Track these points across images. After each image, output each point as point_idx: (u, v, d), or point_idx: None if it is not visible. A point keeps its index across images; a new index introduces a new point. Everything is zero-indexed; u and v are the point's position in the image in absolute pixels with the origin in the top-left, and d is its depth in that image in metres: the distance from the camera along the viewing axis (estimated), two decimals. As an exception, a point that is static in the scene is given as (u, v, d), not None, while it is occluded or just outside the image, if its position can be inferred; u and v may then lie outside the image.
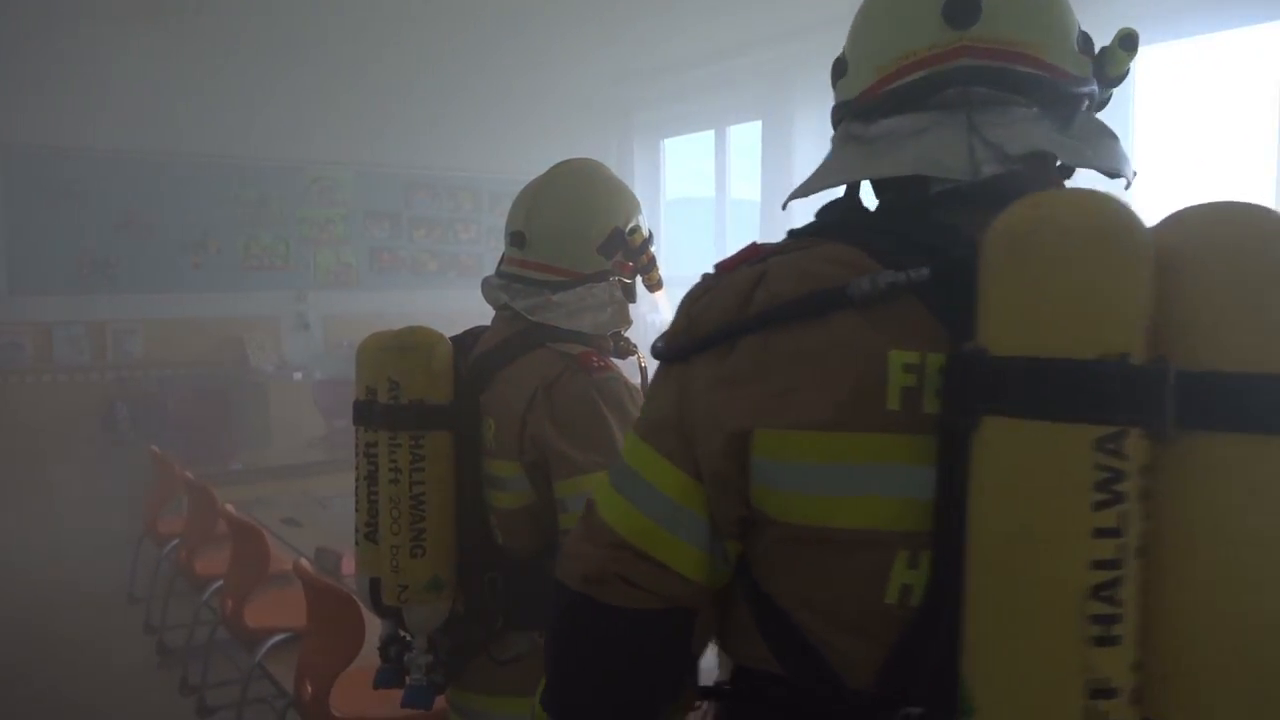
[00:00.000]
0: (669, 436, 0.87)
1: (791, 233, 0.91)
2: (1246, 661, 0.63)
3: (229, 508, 3.34)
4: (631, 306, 1.72)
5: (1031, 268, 0.66)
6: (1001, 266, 0.68)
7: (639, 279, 1.75)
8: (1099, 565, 0.63)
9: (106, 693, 3.84)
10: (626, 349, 1.71)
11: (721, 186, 7.90)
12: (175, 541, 4.02)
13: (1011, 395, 0.66)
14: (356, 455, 1.66)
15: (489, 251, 8.26)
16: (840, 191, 0.93)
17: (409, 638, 1.65)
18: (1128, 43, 0.86)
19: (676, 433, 0.87)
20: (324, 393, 6.62)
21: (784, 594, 0.84)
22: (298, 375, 6.93)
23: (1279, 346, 0.65)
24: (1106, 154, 0.84)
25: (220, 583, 3.38)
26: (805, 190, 0.90)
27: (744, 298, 0.84)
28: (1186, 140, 5.48)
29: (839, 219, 0.90)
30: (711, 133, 8.05)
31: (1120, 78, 0.89)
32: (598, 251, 1.67)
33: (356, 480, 1.66)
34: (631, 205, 1.73)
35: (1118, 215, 0.66)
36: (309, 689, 2.41)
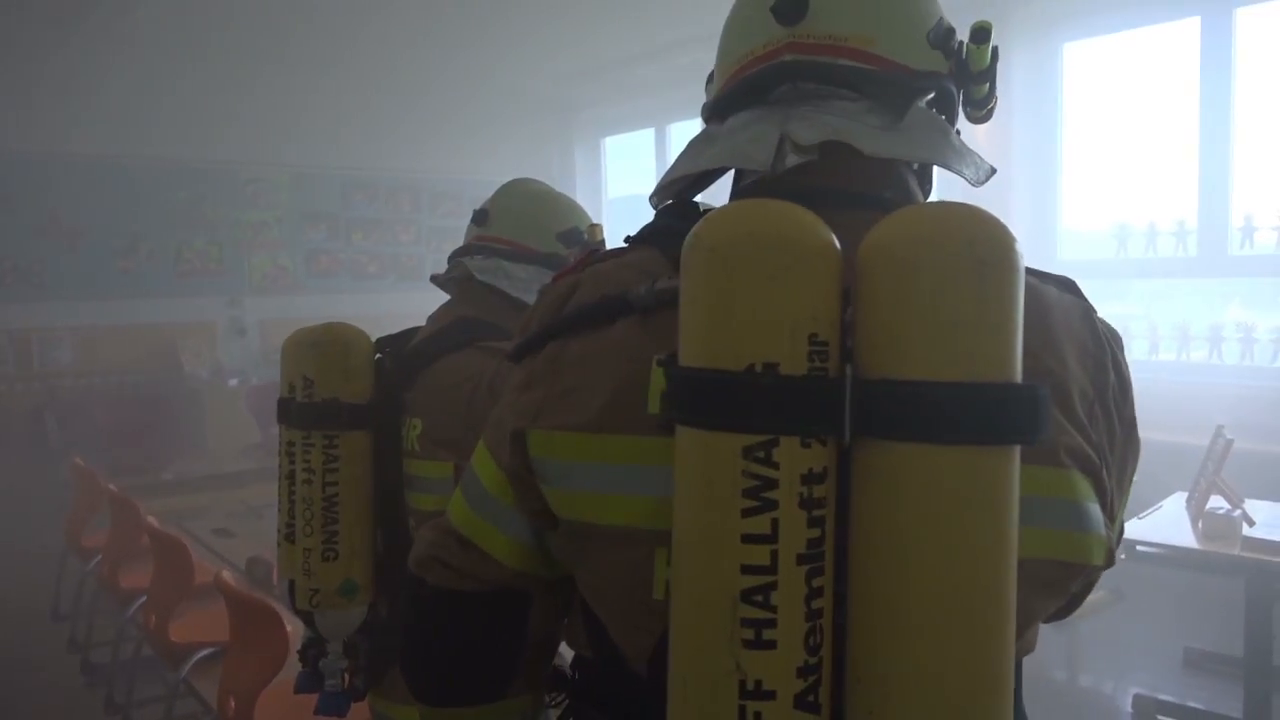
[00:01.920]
0: (492, 432, 0.92)
1: (626, 239, 0.94)
2: (919, 668, 0.64)
3: (151, 520, 3.24)
4: None
5: (690, 281, 0.68)
6: (682, 281, 0.69)
7: None
8: (749, 570, 0.64)
9: (31, 713, 3.71)
10: None
11: (663, 185, 7.89)
12: (99, 556, 3.90)
13: (686, 406, 0.68)
14: (279, 453, 1.62)
15: (430, 253, 8.18)
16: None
17: (325, 642, 1.61)
18: (978, 35, 0.87)
19: (494, 429, 0.92)
20: (258, 398, 6.50)
21: (581, 585, 0.88)
22: (233, 382, 6.80)
23: (955, 354, 0.63)
24: (927, 147, 0.83)
25: (145, 598, 3.29)
26: (656, 193, 0.93)
27: (559, 306, 0.88)
28: (1113, 133, 5.59)
29: (658, 224, 0.92)
30: (652, 130, 8.05)
31: (983, 72, 0.89)
32: (557, 237, 1.68)
33: (279, 479, 1.62)
34: (589, 219, 1.77)
35: (776, 223, 0.66)
36: (232, 705, 2.35)
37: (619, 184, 8.59)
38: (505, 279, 1.62)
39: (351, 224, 7.88)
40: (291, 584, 1.58)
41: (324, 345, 1.55)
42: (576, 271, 0.91)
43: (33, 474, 5.93)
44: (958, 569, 0.63)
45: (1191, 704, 3.69)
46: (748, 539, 0.64)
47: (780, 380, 0.64)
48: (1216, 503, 3.46)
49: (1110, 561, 0.80)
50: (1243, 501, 3.48)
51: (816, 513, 0.65)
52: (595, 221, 1.76)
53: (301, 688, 1.65)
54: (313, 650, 1.63)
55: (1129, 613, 3.88)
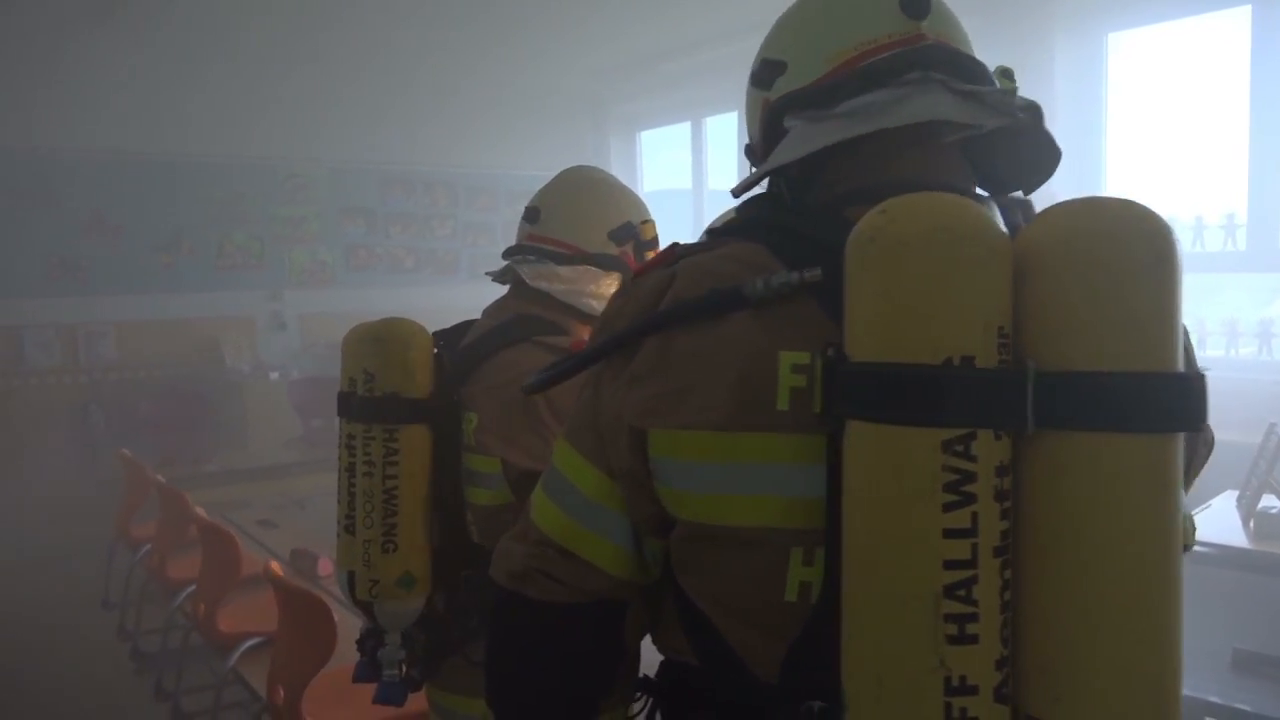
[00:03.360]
0: (586, 435, 0.91)
1: (709, 231, 0.94)
2: (1106, 656, 0.64)
3: (200, 511, 3.29)
4: None
5: (875, 275, 0.68)
6: (853, 274, 0.69)
7: None
8: (952, 565, 0.64)
9: (81, 700, 3.77)
10: None
11: (699, 178, 7.88)
12: (148, 546, 3.97)
13: (865, 401, 0.68)
14: (339, 446, 1.63)
15: (465, 247, 8.21)
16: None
17: (384, 632, 1.63)
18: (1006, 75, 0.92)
19: (592, 432, 0.90)
20: (300, 392, 6.57)
21: (694, 589, 0.86)
22: (274, 375, 6.87)
23: (1137, 344, 0.65)
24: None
25: (193, 587, 3.34)
26: (768, 169, 0.90)
27: (654, 300, 0.87)
28: (1160, 125, 5.50)
29: (752, 217, 0.92)
30: (688, 124, 8.02)
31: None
32: (609, 236, 1.67)
33: (339, 472, 1.64)
34: (643, 209, 1.75)
35: (960, 218, 0.67)
36: (282, 694, 2.38)
37: (655, 178, 8.57)
38: (556, 281, 1.61)
39: (389, 219, 7.92)
40: (351, 575, 1.60)
41: (385, 340, 1.56)
42: (665, 264, 0.89)
43: (78, 466, 6.03)
44: (1141, 554, 0.64)
45: (1240, 705, 3.62)
46: (950, 534, 0.64)
47: (977, 373, 0.65)
48: (1269, 502, 3.40)
49: (1189, 545, 0.81)
50: (1296, 500, 3.41)
51: (1005, 505, 0.66)
52: (649, 218, 1.73)
53: (360, 677, 1.67)
54: (371, 640, 1.64)
55: (1176, 612, 3.80)
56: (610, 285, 1.65)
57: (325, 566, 3.50)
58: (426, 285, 7.93)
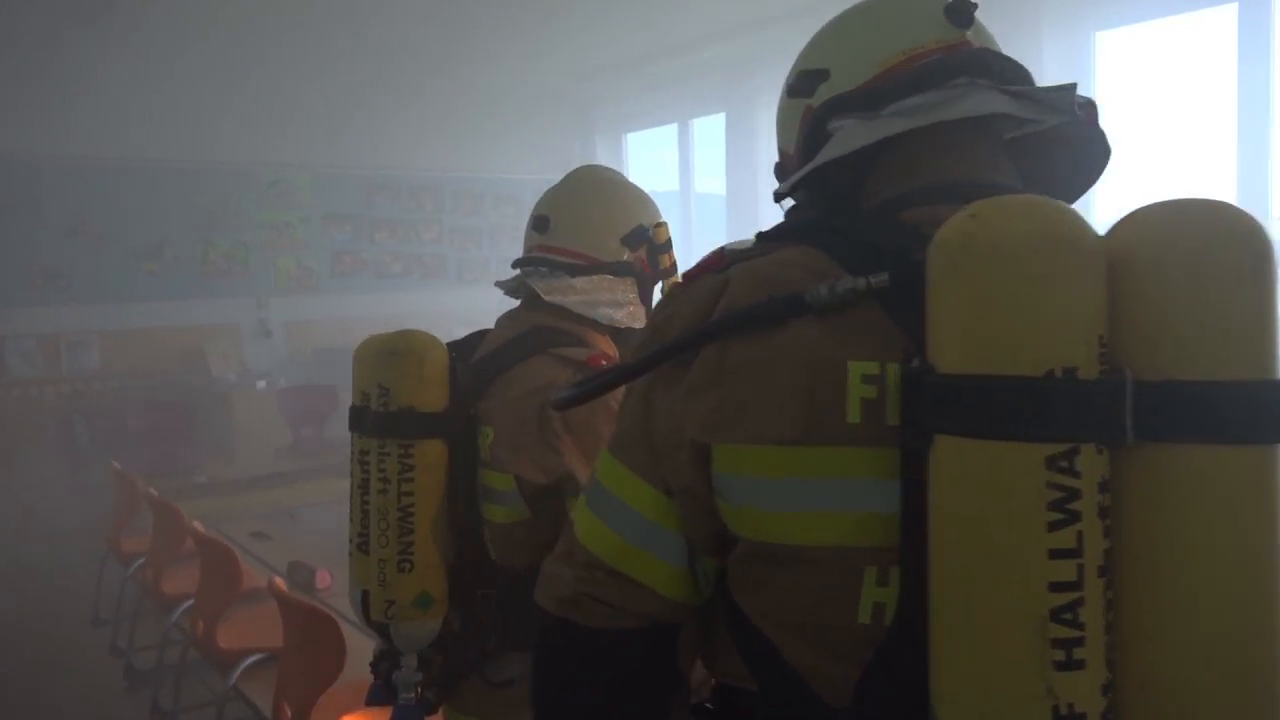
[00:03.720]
0: (637, 451, 0.87)
1: (760, 235, 0.90)
2: (1218, 681, 0.62)
3: (197, 525, 3.24)
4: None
5: (968, 282, 0.64)
6: (941, 281, 0.66)
7: (659, 286, 1.70)
8: (1058, 587, 0.61)
9: (74, 718, 3.71)
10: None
11: (686, 180, 7.87)
12: (141, 560, 3.90)
13: (959, 415, 0.65)
14: (351, 462, 1.60)
15: (452, 251, 8.16)
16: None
17: (400, 654, 1.59)
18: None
19: (644, 447, 0.86)
20: (288, 401, 6.50)
21: (756, 611, 0.83)
22: (261, 384, 6.80)
23: (1240, 351, 0.63)
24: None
25: (190, 602, 3.28)
26: (818, 163, 0.89)
27: (706, 306, 0.84)
28: (1147, 123, 5.52)
29: (806, 220, 0.89)
30: (675, 126, 8.01)
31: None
32: (621, 241, 1.63)
33: (351, 488, 1.61)
34: (654, 210, 1.70)
35: (1058, 222, 0.64)
36: (288, 712, 2.34)
37: (642, 180, 8.51)
38: (570, 294, 1.57)
39: (374, 224, 7.87)
40: (365, 595, 1.57)
41: (400, 354, 1.53)
42: (715, 270, 0.86)
43: (62, 477, 5.94)
44: (1248, 570, 0.62)
45: None
46: (1055, 554, 0.61)
47: (1080, 385, 0.62)
48: None
49: None
50: None
51: (1107, 522, 0.63)
52: (661, 220, 1.69)
53: (373, 700, 1.64)
54: (385, 662, 1.60)
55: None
56: (626, 291, 1.62)
57: (323, 579, 3.46)
58: (413, 290, 7.89)
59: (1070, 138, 0.89)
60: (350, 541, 1.62)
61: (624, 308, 1.59)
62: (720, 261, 0.88)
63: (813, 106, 0.93)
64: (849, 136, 0.86)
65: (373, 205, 7.84)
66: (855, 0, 0.97)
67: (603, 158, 8.49)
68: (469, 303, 7.94)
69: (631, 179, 1.77)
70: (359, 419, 1.58)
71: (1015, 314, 0.63)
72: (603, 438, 1.44)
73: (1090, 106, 0.86)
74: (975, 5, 0.90)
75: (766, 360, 0.78)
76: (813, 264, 0.81)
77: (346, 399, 5.76)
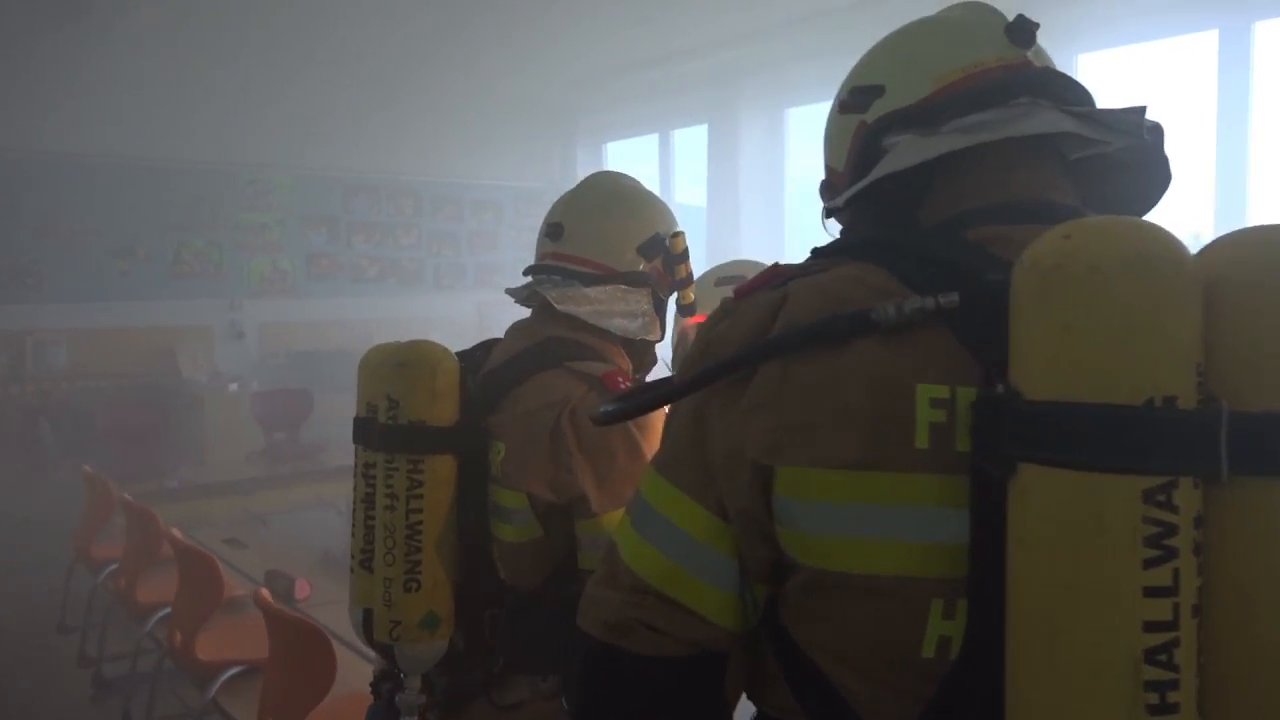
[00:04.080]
0: (688, 471, 0.83)
1: (815, 251, 0.88)
2: None
3: (175, 532, 3.16)
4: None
5: (1062, 306, 0.62)
6: (1030, 303, 0.64)
7: (674, 297, 1.66)
8: (1153, 627, 0.59)
9: (38, 729, 3.62)
10: (653, 361, 1.63)
11: (667, 190, 7.86)
12: (113, 566, 3.80)
13: (1050, 444, 0.62)
14: (355, 475, 1.55)
15: (430, 257, 8.10)
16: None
17: (403, 676, 1.54)
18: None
19: (696, 466, 0.83)
20: (262, 404, 6.40)
21: (811, 642, 0.80)
22: (233, 386, 6.69)
23: None
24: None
25: (165, 611, 3.20)
26: (877, 175, 0.87)
27: (764, 323, 0.81)
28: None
29: (866, 237, 0.88)
30: (656, 136, 8.01)
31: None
32: (637, 250, 1.58)
33: (354, 502, 1.55)
34: (671, 218, 1.66)
35: (1158, 244, 0.62)
36: (273, 727, 2.28)
37: (621, 189, 8.54)
38: (584, 304, 1.53)
39: (352, 227, 7.78)
40: (368, 614, 1.51)
41: (411, 365, 1.47)
42: (771, 285, 0.84)
43: (28, 480, 5.80)
44: None
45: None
46: (1150, 592, 0.59)
47: (1180, 415, 0.60)
48: None
49: None
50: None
51: (1201, 559, 0.61)
52: (678, 229, 1.65)
53: (374, 721, 1.59)
54: (387, 684, 1.56)
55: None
56: (640, 301, 1.58)
57: (303, 589, 3.39)
58: (390, 295, 7.81)
59: (1129, 162, 0.88)
60: (352, 557, 1.57)
61: (638, 319, 1.56)
62: (776, 277, 0.85)
63: (866, 122, 0.91)
64: (908, 152, 0.85)
65: (350, 208, 7.76)
66: (902, 22, 0.96)
67: (583, 166, 8.46)
68: (446, 309, 7.89)
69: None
70: (365, 431, 1.52)
71: (1114, 340, 0.60)
72: (617, 458, 1.41)
73: (1157, 130, 0.84)
74: (1037, 25, 0.88)
75: (830, 380, 0.75)
76: (875, 281, 0.78)
77: (321, 403, 5.72)
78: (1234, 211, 4.95)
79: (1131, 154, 0.87)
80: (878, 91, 0.91)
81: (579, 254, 1.59)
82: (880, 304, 0.74)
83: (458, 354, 1.59)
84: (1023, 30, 0.87)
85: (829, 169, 0.99)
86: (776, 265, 0.89)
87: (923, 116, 0.86)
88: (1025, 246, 0.66)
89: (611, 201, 1.64)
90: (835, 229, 0.99)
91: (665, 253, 1.61)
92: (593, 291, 1.55)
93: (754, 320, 0.82)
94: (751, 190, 6.87)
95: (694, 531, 0.82)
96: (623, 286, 1.57)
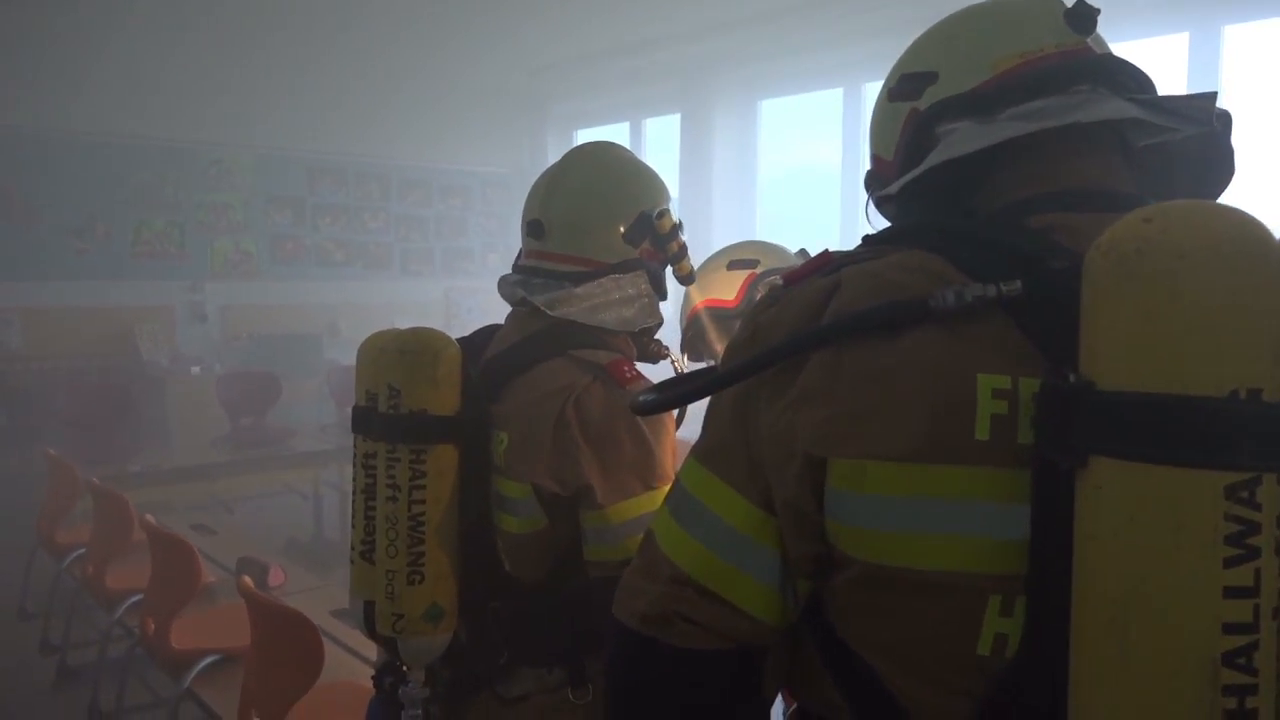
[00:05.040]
0: (733, 461, 0.82)
1: (867, 238, 0.86)
2: None
3: (149, 518, 3.08)
4: (662, 303, 1.59)
5: (1143, 292, 0.60)
6: (1108, 290, 0.62)
7: (669, 271, 1.62)
8: (1232, 629, 0.57)
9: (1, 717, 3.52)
10: (658, 352, 1.60)
11: (638, 179, 7.82)
12: (79, 552, 3.71)
13: (1126, 436, 0.60)
14: (354, 465, 1.52)
15: (398, 241, 7.99)
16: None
17: (405, 669, 1.52)
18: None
19: (742, 457, 0.81)
20: (227, 388, 6.28)
21: (861, 639, 0.79)
22: (195, 369, 6.55)
23: None
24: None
25: (136, 598, 3.13)
26: (934, 161, 0.85)
27: (816, 310, 0.79)
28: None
29: (922, 222, 0.86)
30: (627, 125, 7.97)
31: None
32: (624, 239, 1.52)
33: (354, 493, 1.52)
34: (658, 188, 1.59)
35: (1246, 229, 0.60)
36: None
37: (591, 177, 8.49)
38: (575, 303, 1.49)
39: (318, 210, 7.65)
40: (369, 606, 1.49)
41: (413, 353, 1.43)
42: (822, 272, 0.82)
43: (-22, 463, 5.64)
44: None
45: None
46: (1230, 593, 0.57)
47: (1266, 408, 0.58)
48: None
49: None
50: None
51: None
52: (666, 198, 1.57)
53: (374, 716, 1.58)
54: (390, 677, 1.53)
55: None
56: (635, 285, 1.53)
57: (277, 577, 3.33)
58: (356, 280, 7.69)
59: (1192, 153, 0.86)
60: (352, 549, 1.54)
61: (634, 304, 1.52)
62: (827, 264, 0.83)
63: (919, 110, 0.89)
64: (966, 139, 0.83)
65: (316, 190, 7.63)
66: (951, 9, 0.94)
67: (553, 154, 8.39)
68: (413, 294, 7.80)
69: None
70: (365, 421, 1.48)
71: (1197, 329, 0.58)
72: (624, 449, 1.39)
73: (1226, 118, 0.83)
74: (1098, 11, 0.87)
75: (887, 369, 0.73)
76: (932, 268, 0.76)
77: (289, 388, 5.63)
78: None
79: (1193, 145, 0.85)
80: (930, 78, 0.89)
81: (563, 252, 1.53)
82: (939, 291, 0.72)
83: (458, 340, 1.56)
84: (1082, 16, 0.86)
85: (876, 159, 0.97)
86: (827, 251, 0.87)
87: (979, 103, 0.84)
88: (1091, 234, 0.65)
89: (590, 188, 1.56)
90: (880, 222, 0.97)
91: (653, 233, 1.55)
92: (582, 290, 1.50)
93: (804, 307, 0.80)
94: (724, 181, 6.87)
95: (736, 523, 0.81)
96: (614, 276, 1.52)
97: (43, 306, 6.37)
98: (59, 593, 3.80)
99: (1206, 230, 0.60)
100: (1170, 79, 5.10)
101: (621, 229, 1.53)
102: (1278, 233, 0.63)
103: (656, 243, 1.56)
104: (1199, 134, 0.82)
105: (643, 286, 1.55)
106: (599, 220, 1.53)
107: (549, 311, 1.48)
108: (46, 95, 6.09)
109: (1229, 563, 0.57)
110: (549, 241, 1.54)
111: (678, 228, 1.58)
